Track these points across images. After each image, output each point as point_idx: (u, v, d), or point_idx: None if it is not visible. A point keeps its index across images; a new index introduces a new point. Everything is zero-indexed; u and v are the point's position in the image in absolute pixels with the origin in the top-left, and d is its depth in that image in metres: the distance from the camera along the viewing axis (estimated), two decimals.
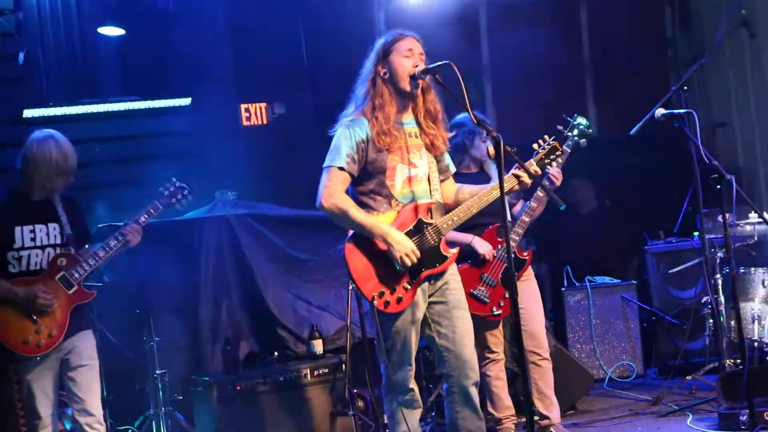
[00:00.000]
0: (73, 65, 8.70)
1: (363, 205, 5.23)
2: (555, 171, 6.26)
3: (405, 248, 5.10)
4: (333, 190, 5.16)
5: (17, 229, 5.58)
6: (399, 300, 5.14)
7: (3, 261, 5.57)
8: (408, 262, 5.09)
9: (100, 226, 7.22)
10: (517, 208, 6.69)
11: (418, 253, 5.13)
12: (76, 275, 5.63)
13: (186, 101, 8.89)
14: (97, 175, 8.64)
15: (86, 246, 5.80)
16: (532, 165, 5.47)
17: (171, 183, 6.11)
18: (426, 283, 5.24)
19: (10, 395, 6.05)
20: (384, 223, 5.14)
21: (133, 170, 8.38)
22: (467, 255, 6.40)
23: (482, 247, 6.47)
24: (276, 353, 7.57)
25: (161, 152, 8.58)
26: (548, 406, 6.75)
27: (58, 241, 5.68)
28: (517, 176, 5.32)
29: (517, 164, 5.24)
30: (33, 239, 5.61)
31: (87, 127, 8.73)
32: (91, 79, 8.78)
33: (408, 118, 5.34)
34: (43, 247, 5.63)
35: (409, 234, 5.18)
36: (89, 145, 8.70)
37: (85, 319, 5.79)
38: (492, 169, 6.55)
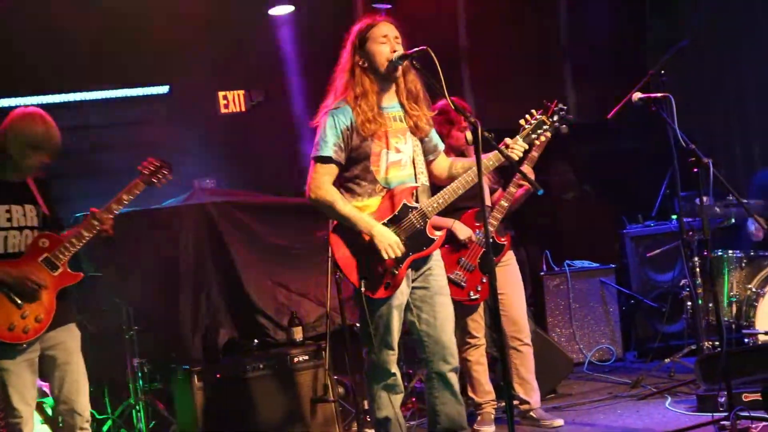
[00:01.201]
0: (47, 53, 8.63)
1: (348, 191, 5.28)
2: (527, 169, 6.30)
3: (389, 242, 5.13)
4: (320, 182, 5.20)
5: None
6: (387, 286, 5.17)
7: None
8: (392, 255, 5.11)
9: (78, 215, 7.18)
10: (496, 196, 6.71)
11: (402, 247, 5.17)
12: (61, 256, 5.39)
13: (163, 89, 8.85)
14: (74, 164, 8.59)
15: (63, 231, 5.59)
16: (518, 141, 5.46)
17: (150, 162, 5.82)
18: (410, 269, 5.26)
19: None
20: (369, 217, 5.19)
21: (109, 159, 8.33)
22: (446, 239, 6.41)
23: (462, 231, 6.49)
24: (256, 341, 7.57)
25: (139, 141, 8.54)
26: (528, 390, 6.78)
27: (36, 224, 5.46)
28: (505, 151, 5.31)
29: (504, 141, 5.29)
30: (9, 219, 5.38)
31: (64, 116, 8.67)
32: (66, 67, 8.71)
33: (391, 102, 5.35)
34: (20, 229, 5.41)
35: (395, 219, 5.21)
36: (66, 134, 8.65)
37: (71, 311, 5.56)
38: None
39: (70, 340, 5.51)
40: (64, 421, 5.51)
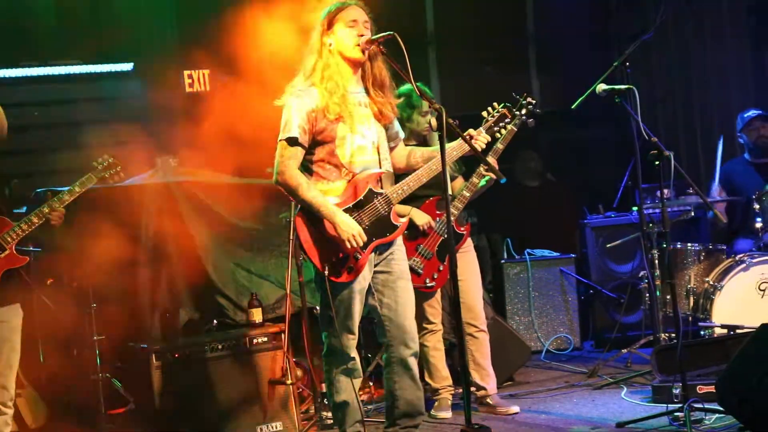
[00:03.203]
0: (13, 28, 8.55)
1: (313, 174, 5.27)
2: (492, 160, 6.32)
3: (351, 230, 5.13)
4: (285, 166, 5.19)
5: None
6: (350, 270, 5.19)
7: None
8: (353, 245, 5.12)
9: (39, 190, 7.12)
10: (457, 183, 6.72)
11: (364, 236, 5.18)
12: (9, 240, 5.50)
13: (128, 66, 8.79)
14: (36, 139, 8.53)
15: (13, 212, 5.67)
16: (481, 133, 5.51)
17: (104, 159, 6.09)
18: (373, 254, 5.26)
19: None
20: (331, 204, 5.19)
21: (72, 135, 8.26)
22: None
23: (420, 218, 6.51)
24: (215, 321, 7.55)
25: (102, 117, 8.47)
26: (485, 377, 6.83)
27: None
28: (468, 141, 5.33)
29: (468, 131, 5.31)
30: None
31: (27, 91, 8.62)
32: (32, 41, 8.63)
33: (357, 87, 5.35)
34: None
35: (359, 204, 5.22)
36: (28, 109, 8.60)
37: (16, 291, 5.65)
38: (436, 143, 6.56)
39: (13, 318, 5.60)
40: None
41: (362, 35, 5.23)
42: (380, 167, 5.36)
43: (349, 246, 5.13)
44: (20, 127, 8.47)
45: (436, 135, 6.54)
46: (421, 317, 6.59)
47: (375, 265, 5.35)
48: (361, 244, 5.16)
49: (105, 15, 8.85)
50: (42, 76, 8.60)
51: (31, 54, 8.62)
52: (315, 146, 5.27)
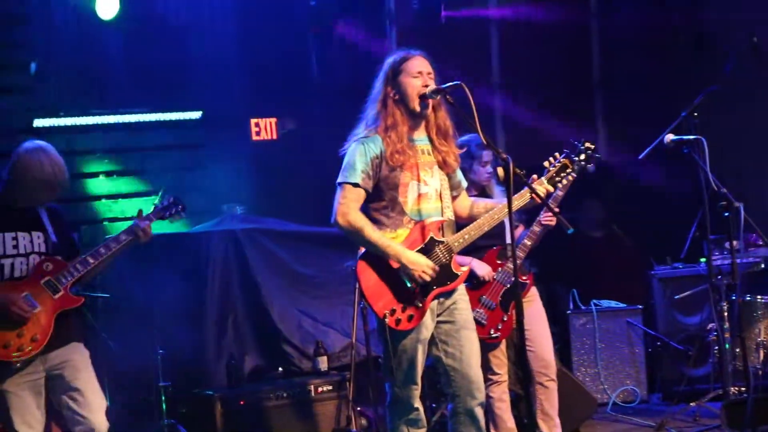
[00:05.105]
0: (83, 76, 8.71)
1: (375, 222, 5.23)
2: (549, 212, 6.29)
3: (421, 266, 5.11)
4: (348, 208, 5.16)
5: None
6: (410, 318, 5.14)
7: None
8: (427, 278, 5.10)
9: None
10: (518, 231, 6.70)
11: (436, 267, 5.14)
12: (63, 280, 5.37)
13: (197, 114, 8.90)
14: (105, 186, 8.67)
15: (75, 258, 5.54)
16: (543, 183, 5.49)
17: (166, 198, 5.93)
18: (435, 302, 5.24)
19: None
20: (397, 244, 5.15)
21: (141, 182, 8.39)
22: (467, 277, 6.41)
23: (481, 269, 6.47)
24: (281, 369, 7.57)
25: (170, 165, 8.59)
26: (552, 427, 6.75)
27: (43, 250, 5.46)
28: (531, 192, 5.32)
29: (532, 177, 5.28)
30: (15, 246, 5.39)
31: (96, 138, 8.76)
32: (102, 90, 8.79)
33: (420, 135, 5.35)
34: (26, 255, 5.41)
35: (422, 251, 5.18)
36: (98, 156, 8.74)
37: (75, 330, 5.53)
38: (496, 193, 6.56)
39: (76, 357, 5.47)
40: None
41: (427, 85, 5.23)
42: (442, 215, 5.34)
43: (420, 281, 5.11)
44: (90, 174, 8.65)
45: (494, 186, 6.60)
46: (486, 368, 6.53)
47: (438, 315, 5.30)
48: (434, 275, 5.14)
49: (174, 63, 8.99)
50: (111, 123, 8.72)
51: (101, 102, 8.77)
52: (378, 193, 5.25)
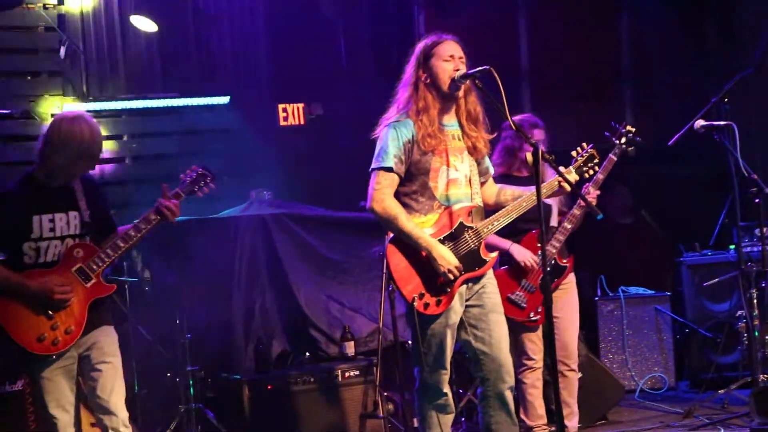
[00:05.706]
0: (112, 61, 8.74)
1: (406, 206, 5.23)
2: (593, 192, 6.26)
3: (449, 264, 5.12)
4: (383, 194, 5.17)
5: (35, 218, 5.19)
6: (438, 302, 5.14)
7: (18, 252, 5.19)
8: (450, 278, 5.10)
9: None
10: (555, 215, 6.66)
11: (461, 267, 5.15)
12: (95, 267, 5.22)
13: (224, 100, 8.90)
14: (133, 171, 8.69)
15: (110, 234, 5.39)
16: (571, 172, 5.48)
17: (193, 170, 5.62)
18: (464, 287, 5.24)
19: (21, 399, 5.90)
20: (429, 237, 5.16)
21: (169, 166, 8.40)
22: (507, 259, 6.39)
23: (519, 254, 6.42)
24: (308, 353, 7.59)
25: (198, 150, 8.60)
26: (568, 414, 6.70)
27: (77, 231, 5.28)
28: (559, 182, 5.33)
29: (559, 168, 5.27)
30: (52, 229, 5.22)
31: (124, 123, 8.79)
32: (131, 75, 8.81)
33: (451, 120, 5.34)
34: (62, 238, 5.24)
35: (450, 237, 5.19)
36: (125, 141, 8.77)
37: (106, 314, 5.38)
38: (546, 173, 6.53)
39: (105, 340, 5.33)
40: (101, 423, 5.31)
41: (458, 70, 5.22)
42: (472, 201, 5.33)
43: (445, 279, 5.11)
44: (119, 159, 8.67)
45: (546, 168, 6.57)
46: (521, 353, 6.52)
47: (466, 300, 5.29)
48: (458, 276, 5.14)
49: (202, 48, 9.00)
50: (139, 108, 8.73)
51: (128, 87, 8.78)
52: (409, 178, 5.25)
